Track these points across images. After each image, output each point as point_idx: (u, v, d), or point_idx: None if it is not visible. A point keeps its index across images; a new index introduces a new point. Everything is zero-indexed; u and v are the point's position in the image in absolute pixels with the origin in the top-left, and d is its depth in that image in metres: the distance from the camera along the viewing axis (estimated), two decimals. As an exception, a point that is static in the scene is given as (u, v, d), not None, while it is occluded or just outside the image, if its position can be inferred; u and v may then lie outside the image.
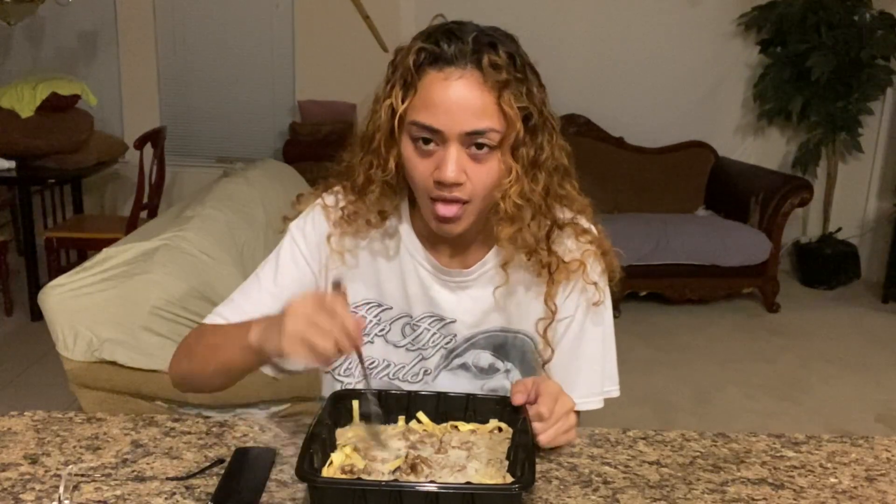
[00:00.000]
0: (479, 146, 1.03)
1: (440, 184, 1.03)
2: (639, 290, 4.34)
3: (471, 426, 1.07)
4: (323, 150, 4.37)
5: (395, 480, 0.92)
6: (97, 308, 2.06)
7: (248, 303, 1.16)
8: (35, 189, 4.12)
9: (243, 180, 3.01)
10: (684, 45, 4.91)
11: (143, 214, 3.96)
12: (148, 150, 3.91)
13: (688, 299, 4.37)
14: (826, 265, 4.81)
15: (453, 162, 1.02)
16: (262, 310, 1.12)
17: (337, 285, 1.04)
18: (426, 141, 1.03)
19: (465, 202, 1.05)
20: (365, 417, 1.05)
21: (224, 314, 1.16)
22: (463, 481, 0.94)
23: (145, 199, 3.96)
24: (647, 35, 4.91)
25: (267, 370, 1.09)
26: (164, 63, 5.08)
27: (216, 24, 5.01)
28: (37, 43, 5.04)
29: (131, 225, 3.71)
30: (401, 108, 1.03)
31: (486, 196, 1.06)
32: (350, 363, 1.19)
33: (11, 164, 3.91)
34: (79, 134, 4.06)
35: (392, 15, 4.81)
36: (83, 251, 4.08)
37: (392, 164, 1.07)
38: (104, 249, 2.21)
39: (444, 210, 1.05)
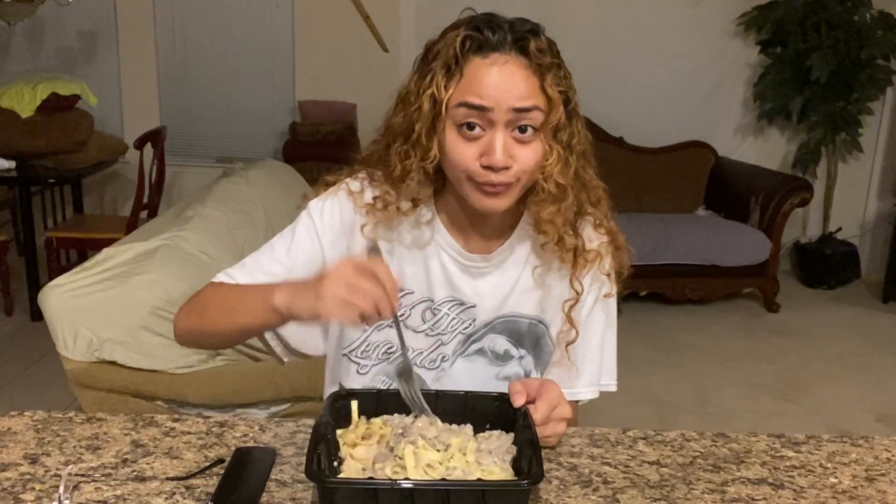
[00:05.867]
0: (523, 129, 1.04)
1: (488, 168, 1.04)
2: (639, 290, 4.33)
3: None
4: (323, 150, 4.45)
5: (406, 479, 0.92)
6: (97, 308, 2.06)
7: (259, 270, 1.18)
8: (35, 189, 4.12)
9: (243, 180, 3.01)
10: (684, 45, 4.91)
11: (143, 214, 3.96)
12: (148, 150, 3.91)
13: (688, 299, 4.37)
14: (826, 265, 4.80)
15: (500, 145, 1.03)
16: (272, 278, 1.14)
17: (373, 250, 1.05)
18: (471, 126, 1.04)
19: (510, 183, 1.07)
20: (402, 375, 1.05)
21: (236, 277, 1.17)
22: (474, 478, 0.94)
23: (145, 199, 3.96)
24: (647, 35, 4.91)
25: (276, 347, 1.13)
26: (164, 63, 5.07)
27: (216, 24, 5.01)
28: (37, 43, 5.04)
29: (131, 225, 3.71)
30: (445, 96, 1.04)
31: (530, 177, 1.08)
32: (367, 345, 1.20)
33: (11, 164, 3.90)
34: (79, 134, 4.06)
35: (392, 15, 4.79)
36: (83, 251, 4.08)
37: (434, 153, 1.08)
38: (104, 249, 2.21)
39: (491, 187, 1.06)
